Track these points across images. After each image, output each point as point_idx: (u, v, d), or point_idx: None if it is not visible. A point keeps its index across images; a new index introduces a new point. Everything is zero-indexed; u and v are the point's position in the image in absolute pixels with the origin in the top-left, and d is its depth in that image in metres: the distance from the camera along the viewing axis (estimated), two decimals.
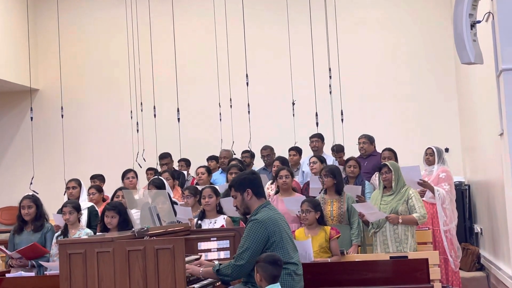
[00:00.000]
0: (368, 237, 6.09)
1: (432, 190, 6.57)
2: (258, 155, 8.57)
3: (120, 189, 6.75)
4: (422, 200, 6.14)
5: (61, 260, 3.94)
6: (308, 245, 5.28)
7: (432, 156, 6.88)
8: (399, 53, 10.12)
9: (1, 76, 10.26)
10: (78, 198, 6.88)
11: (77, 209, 5.99)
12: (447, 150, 8.69)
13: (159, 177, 7.13)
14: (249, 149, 8.60)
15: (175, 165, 9.06)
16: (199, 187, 6.63)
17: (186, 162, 9.06)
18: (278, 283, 3.89)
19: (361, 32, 10.22)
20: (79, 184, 7.06)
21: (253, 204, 4.29)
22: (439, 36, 9.90)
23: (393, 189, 5.92)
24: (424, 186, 6.55)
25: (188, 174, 8.89)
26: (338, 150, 7.88)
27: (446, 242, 6.49)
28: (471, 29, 5.31)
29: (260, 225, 4.10)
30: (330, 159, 7.71)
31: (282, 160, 7.28)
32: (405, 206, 5.82)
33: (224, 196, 6.30)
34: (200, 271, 4.16)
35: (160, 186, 6.50)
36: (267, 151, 8.34)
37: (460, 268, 6.76)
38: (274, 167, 7.12)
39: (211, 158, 8.90)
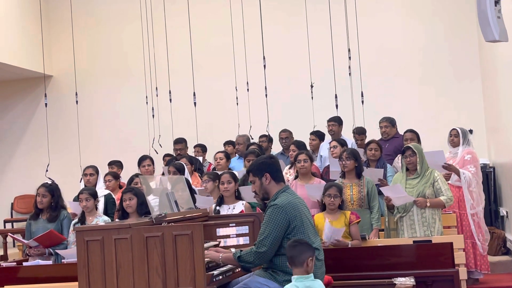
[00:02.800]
0: (392, 221, 5.95)
1: (458, 173, 6.40)
2: (276, 140, 8.43)
3: (136, 175, 6.67)
4: (448, 183, 6.00)
5: (79, 247, 3.91)
6: (330, 228, 5.22)
7: (457, 137, 6.68)
8: (421, 33, 9.88)
9: (14, 63, 10.22)
10: (95, 185, 6.81)
11: (94, 196, 5.95)
12: (471, 131, 8.50)
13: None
14: (267, 134, 8.47)
15: (191, 151, 8.94)
16: (218, 173, 6.51)
17: (202, 148, 8.91)
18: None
19: (381, 11, 10.00)
20: (97, 171, 6.99)
21: (272, 189, 4.19)
22: (462, 14, 9.65)
23: (417, 172, 5.79)
24: (449, 170, 6.39)
25: (204, 160, 8.77)
26: (359, 132, 7.75)
27: (474, 225, 6.34)
28: (495, 5, 5.12)
29: (280, 210, 4.00)
30: (350, 142, 7.56)
31: (298, 144, 7.13)
32: (432, 189, 5.71)
33: (242, 182, 6.19)
34: (220, 257, 4.07)
35: (180, 169, 6.41)
36: (286, 134, 8.18)
37: None
38: (290, 152, 7.01)
39: (227, 143, 8.78)
